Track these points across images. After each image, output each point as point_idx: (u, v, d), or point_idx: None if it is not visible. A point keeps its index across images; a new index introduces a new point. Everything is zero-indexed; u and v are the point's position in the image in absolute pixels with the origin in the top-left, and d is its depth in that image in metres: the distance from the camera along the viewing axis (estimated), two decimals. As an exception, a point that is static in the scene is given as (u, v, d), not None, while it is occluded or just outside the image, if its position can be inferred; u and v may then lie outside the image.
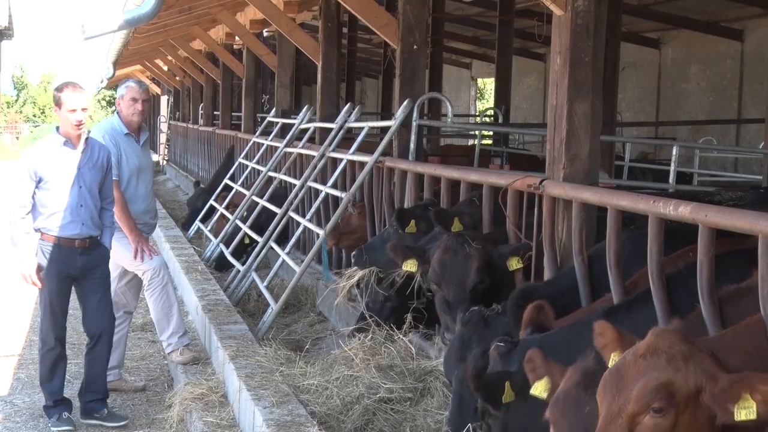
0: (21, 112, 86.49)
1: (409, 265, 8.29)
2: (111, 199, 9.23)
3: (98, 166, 9.03)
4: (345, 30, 22.99)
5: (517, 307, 6.43)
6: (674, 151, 13.43)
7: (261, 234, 14.25)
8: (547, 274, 7.51)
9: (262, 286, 12.73)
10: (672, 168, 15.03)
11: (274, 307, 11.72)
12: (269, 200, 15.29)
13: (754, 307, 4.98)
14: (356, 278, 9.70)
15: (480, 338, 6.54)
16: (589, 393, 4.64)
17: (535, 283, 7.44)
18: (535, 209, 7.81)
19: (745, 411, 4.07)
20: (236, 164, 20.49)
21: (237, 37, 22.87)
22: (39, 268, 8.83)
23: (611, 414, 4.34)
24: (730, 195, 9.63)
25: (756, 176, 15.89)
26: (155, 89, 48.21)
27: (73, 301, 9.24)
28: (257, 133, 20.23)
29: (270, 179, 16.38)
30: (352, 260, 9.97)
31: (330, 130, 14.33)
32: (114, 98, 26.56)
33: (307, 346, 10.50)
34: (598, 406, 4.41)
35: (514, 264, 7.79)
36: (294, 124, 16.86)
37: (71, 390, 9.54)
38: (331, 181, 13.14)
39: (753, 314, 4.95)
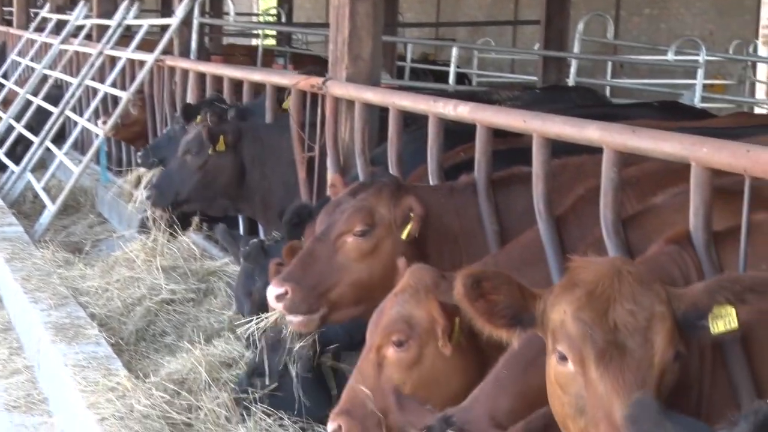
0: None
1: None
2: None
3: None
4: None
5: (293, 226, 6.44)
6: (454, 53, 13.68)
7: (36, 134, 13.79)
8: (330, 175, 7.54)
9: (38, 187, 12.37)
10: (452, 69, 15.28)
11: (50, 208, 11.43)
12: (45, 99, 14.78)
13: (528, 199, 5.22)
14: (145, 180, 9.54)
15: (262, 269, 6.55)
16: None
17: (308, 202, 7.39)
18: (318, 109, 7.81)
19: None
20: (9, 61, 19.70)
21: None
22: None
23: (367, 348, 4.60)
24: (507, 95, 9.90)
25: (531, 77, 16.34)
26: None
27: None
28: (31, 29, 19.46)
29: (45, 77, 15.82)
30: (138, 161, 9.77)
31: (108, 27, 13.92)
32: None
33: (87, 248, 10.31)
34: None
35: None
36: (69, 21, 16.29)
37: None
38: (109, 80, 12.80)
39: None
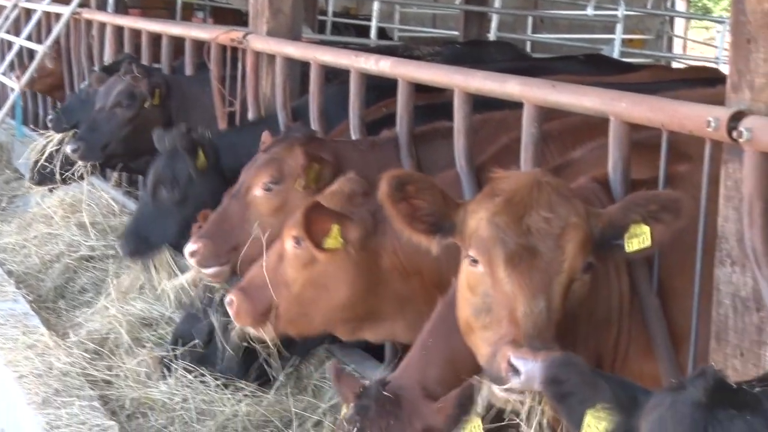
0: None
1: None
2: None
3: None
4: None
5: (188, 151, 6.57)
6: (375, 7, 13.61)
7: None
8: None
9: (-48, 143, 12.14)
10: (373, 23, 15.22)
11: (-37, 163, 11.23)
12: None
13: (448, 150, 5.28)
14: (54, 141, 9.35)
15: None
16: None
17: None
18: (239, 64, 7.74)
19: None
20: None
21: None
22: None
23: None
24: (428, 50, 9.89)
25: (453, 32, 16.34)
26: None
27: None
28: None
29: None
30: (49, 124, 9.56)
31: (22, -22, 13.63)
32: None
33: (3, 204, 10.14)
34: None
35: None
36: (-17, -28, 15.92)
37: None
38: (25, 33, 12.53)
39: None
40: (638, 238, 3.67)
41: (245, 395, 5.75)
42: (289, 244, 4.74)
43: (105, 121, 8.39)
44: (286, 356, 5.63)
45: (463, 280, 3.74)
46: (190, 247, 5.45)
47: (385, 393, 3.93)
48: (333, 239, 4.61)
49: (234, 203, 5.54)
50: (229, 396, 5.73)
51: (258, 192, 5.46)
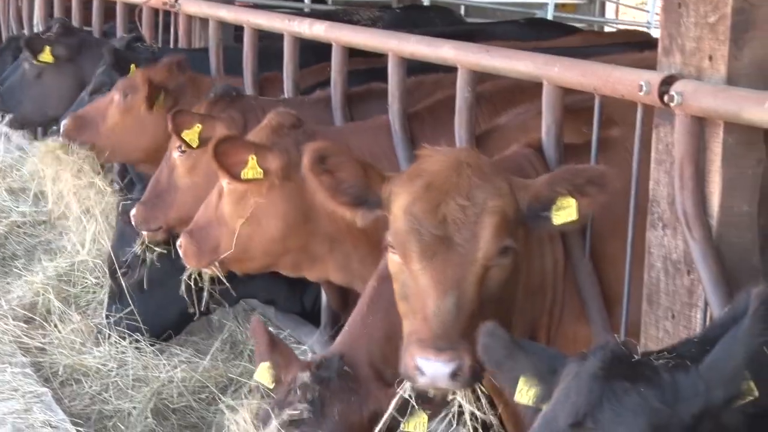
0: None
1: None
2: None
3: None
4: None
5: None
6: (309, -30, 13.48)
7: None
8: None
9: None
10: (308, -13, 15.07)
11: None
12: None
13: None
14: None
15: None
16: None
17: None
18: (171, 28, 7.66)
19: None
20: None
21: None
22: None
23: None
24: (368, 15, 9.85)
25: (387, -4, 16.26)
26: None
27: None
28: None
29: None
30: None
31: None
32: None
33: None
34: None
35: None
36: None
37: None
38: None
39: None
40: (565, 211, 3.69)
41: (181, 361, 5.74)
42: (224, 182, 4.84)
43: (23, 86, 8.35)
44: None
45: (387, 259, 3.76)
46: (131, 212, 5.69)
47: (346, 368, 3.94)
48: (251, 169, 4.69)
49: (164, 167, 5.69)
50: (165, 362, 5.71)
51: (175, 154, 5.58)
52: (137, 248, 5.80)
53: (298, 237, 4.86)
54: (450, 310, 3.45)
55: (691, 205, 3.50)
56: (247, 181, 4.71)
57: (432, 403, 3.69)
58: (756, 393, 2.52)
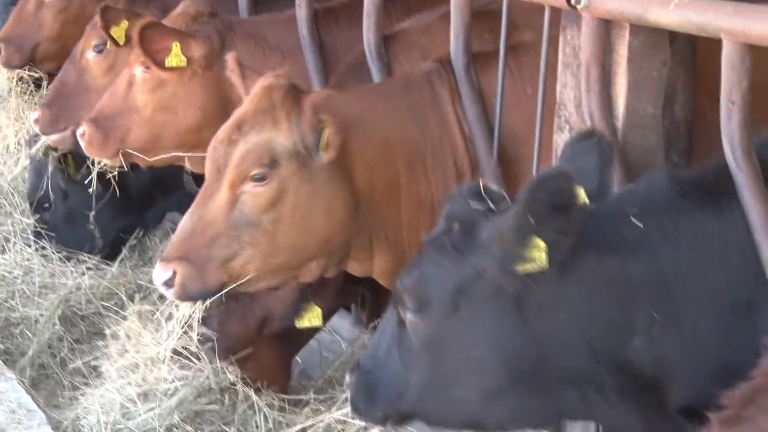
0: None
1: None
2: None
3: None
4: None
5: None
6: None
7: None
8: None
9: None
10: None
11: None
12: None
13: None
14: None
15: None
16: None
17: None
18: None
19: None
20: None
21: None
22: None
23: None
24: None
25: None
26: None
27: None
28: None
29: None
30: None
31: None
32: None
33: None
34: None
35: None
36: None
37: None
38: None
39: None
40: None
41: (88, 268, 5.70)
42: (138, 70, 4.80)
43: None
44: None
45: None
46: (33, 116, 5.60)
47: None
48: (175, 57, 4.68)
49: (71, 69, 5.57)
50: (72, 269, 5.66)
51: (90, 55, 5.49)
52: (35, 150, 5.70)
53: (216, 127, 4.75)
54: (184, 228, 3.81)
55: (597, 107, 3.52)
56: (171, 69, 4.68)
57: None
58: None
